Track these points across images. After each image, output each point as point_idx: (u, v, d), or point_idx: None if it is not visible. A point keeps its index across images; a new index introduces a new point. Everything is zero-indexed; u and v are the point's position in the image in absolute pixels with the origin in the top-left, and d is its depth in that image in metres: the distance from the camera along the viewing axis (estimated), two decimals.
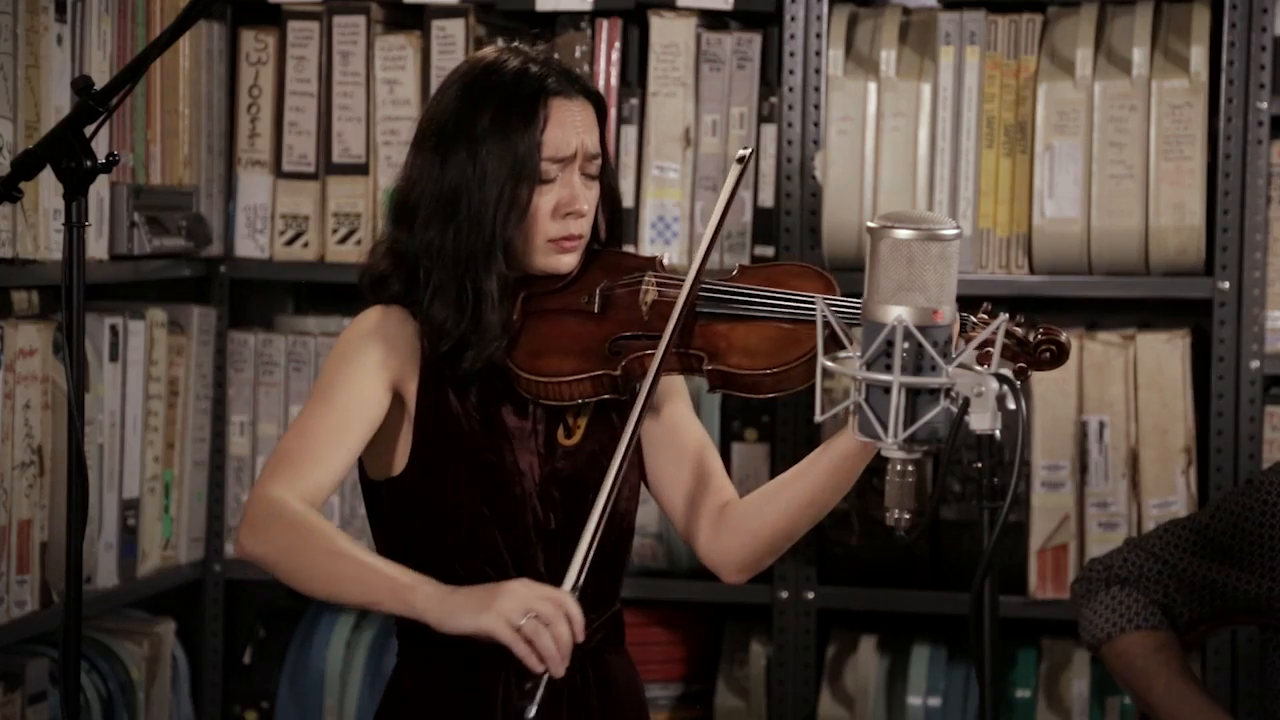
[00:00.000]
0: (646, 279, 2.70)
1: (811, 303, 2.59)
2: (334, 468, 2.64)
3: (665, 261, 2.75)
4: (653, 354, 2.63)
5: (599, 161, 2.72)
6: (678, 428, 2.81)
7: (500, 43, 3.04)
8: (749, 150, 2.70)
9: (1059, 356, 2.61)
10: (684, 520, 2.81)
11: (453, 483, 2.70)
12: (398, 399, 2.70)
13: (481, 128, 2.65)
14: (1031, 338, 2.62)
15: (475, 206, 2.65)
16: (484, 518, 2.70)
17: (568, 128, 2.67)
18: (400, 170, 2.75)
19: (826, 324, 2.35)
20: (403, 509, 2.74)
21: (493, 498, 2.70)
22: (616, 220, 2.80)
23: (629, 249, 3.93)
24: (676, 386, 2.83)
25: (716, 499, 2.79)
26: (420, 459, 2.71)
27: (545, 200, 2.67)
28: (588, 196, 2.70)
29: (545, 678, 2.48)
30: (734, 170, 2.68)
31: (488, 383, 2.71)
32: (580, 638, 2.50)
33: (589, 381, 2.67)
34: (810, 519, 2.72)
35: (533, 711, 2.47)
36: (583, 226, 2.70)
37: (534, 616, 2.46)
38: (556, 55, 2.76)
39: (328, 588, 2.59)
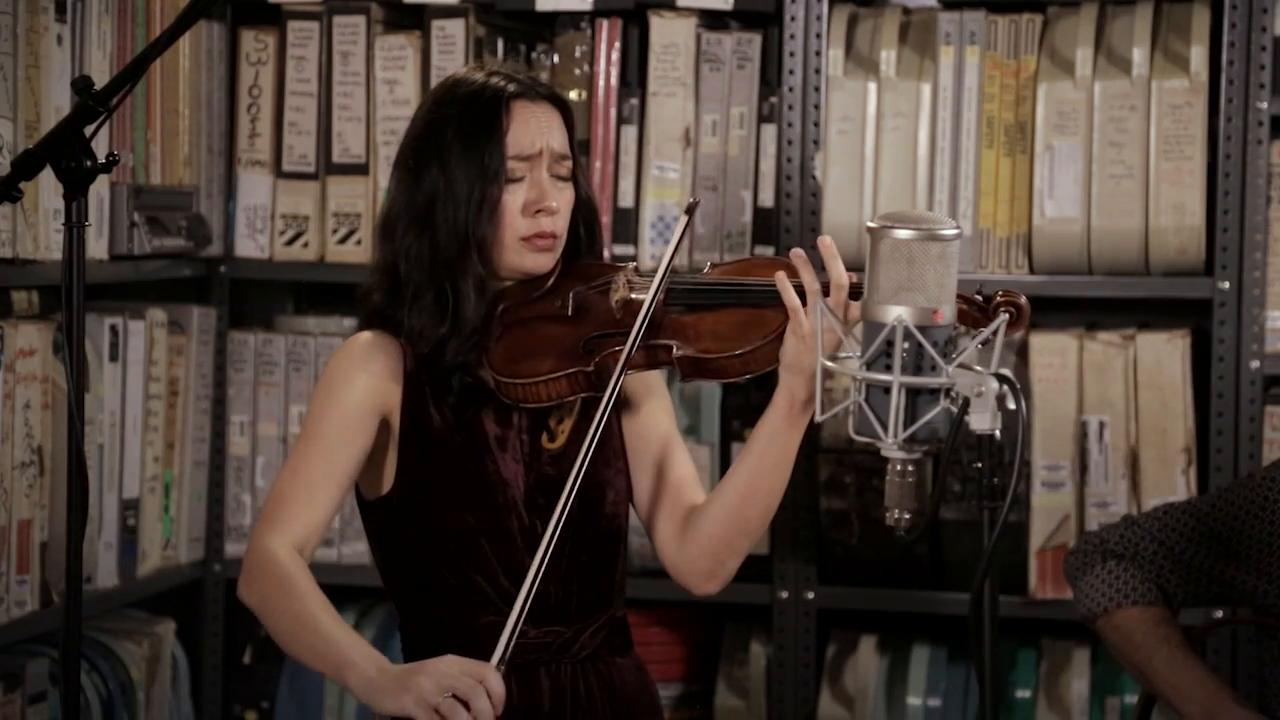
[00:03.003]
0: (616, 280, 2.74)
1: (775, 287, 2.63)
2: (327, 504, 2.70)
3: (637, 267, 2.79)
4: (624, 349, 2.66)
5: (569, 164, 2.77)
6: (645, 430, 2.83)
7: (477, 61, 3.06)
8: (697, 201, 2.74)
9: (1017, 319, 2.59)
10: (650, 528, 2.83)
11: (438, 495, 2.72)
12: (383, 421, 2.74)
13: (449, 136, 2.72)
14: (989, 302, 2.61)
15: (448, 212, 2.71)
16: (470, 527, 2.71)
17: (531, 127, 2.73)
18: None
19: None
20: (394, 524, 2.76)
21: (478, 507, 2.72)
22: (594, 229, 2.84)
23: (630, 250, 3.94)
24: (657, 390, 2.85)
25: (680, 505, 2.80)
26: (406, 475, 2.73)
27: (514, 199, 2.73)
28: (558, 196, 2.75)
29: None
30: (681, 221, 2.72)
31: (469, 395, 2.74)
32: (499, 711, 2.48)
33: (565, 380, 2.69)
34: (760, 508, 2.72)
35: None
36: (555, 224, 2.75)
37: (451, 695, 2.46)
38: (533, 70, 2.80)
39: (290, 649, 2.66)
